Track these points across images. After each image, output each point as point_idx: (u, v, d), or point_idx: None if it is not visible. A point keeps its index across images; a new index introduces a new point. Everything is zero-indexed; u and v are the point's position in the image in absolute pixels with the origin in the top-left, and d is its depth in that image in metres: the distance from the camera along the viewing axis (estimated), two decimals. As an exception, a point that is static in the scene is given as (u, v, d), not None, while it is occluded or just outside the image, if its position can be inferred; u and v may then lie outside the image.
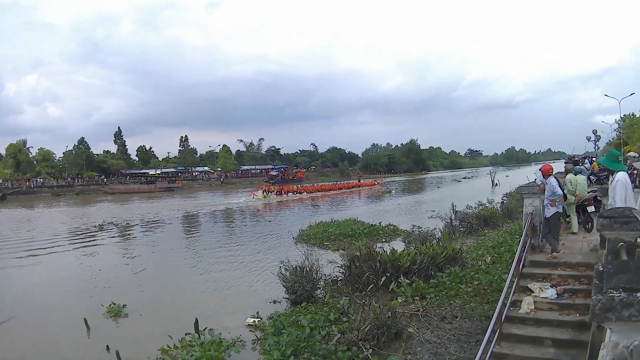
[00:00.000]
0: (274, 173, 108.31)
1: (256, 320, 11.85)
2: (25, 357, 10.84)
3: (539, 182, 11.62)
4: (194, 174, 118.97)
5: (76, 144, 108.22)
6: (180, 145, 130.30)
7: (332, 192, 65.93)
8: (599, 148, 62.19)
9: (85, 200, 69.42)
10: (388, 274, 12.49)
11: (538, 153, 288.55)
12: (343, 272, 13.81)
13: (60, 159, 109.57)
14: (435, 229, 20.51)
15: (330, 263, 14.56)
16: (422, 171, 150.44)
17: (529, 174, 39.79)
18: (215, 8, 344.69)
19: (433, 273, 12.67)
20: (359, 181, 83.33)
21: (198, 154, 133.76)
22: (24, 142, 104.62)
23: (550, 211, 10.67)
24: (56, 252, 24.33)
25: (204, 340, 10.26)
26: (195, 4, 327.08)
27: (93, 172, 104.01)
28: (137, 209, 49.96)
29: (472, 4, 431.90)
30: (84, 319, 12.33)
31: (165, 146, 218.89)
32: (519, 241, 10.32)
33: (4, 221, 41.60)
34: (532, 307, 8.44)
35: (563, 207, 11.75)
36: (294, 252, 16.28)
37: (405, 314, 10.32)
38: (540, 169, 11.93)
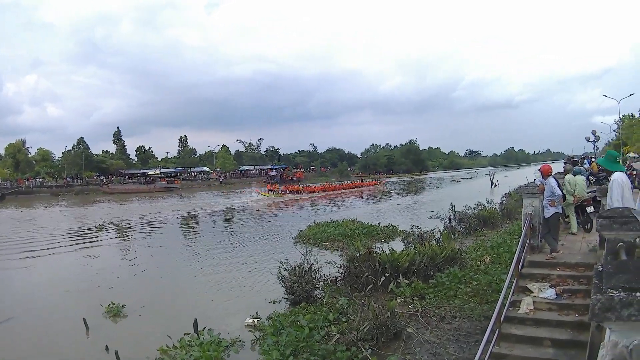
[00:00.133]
0: (273, 173, 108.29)
1: (255, 320, 11.85)
2: (25, 357, 10.83)
3: (538, 183, 11.63)
4: (193, 174, 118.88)
5: (75, 144, 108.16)
6: (179, 145, 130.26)
7: (336, 191, 66.25)
8: (598, 149, 62.19)
9: (85, 200, 69.39)
10: (387, 274, 12.49)
11: (537, 153, 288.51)
12: (342, 273, 13.81)
13: (60, 159, 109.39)
14: (434, 229, 20.51)
15: (329, 263, 14.57)
16: (421, 171, 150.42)
17: (528, 174, 39.89)
18: (214, 8, 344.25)
19: (432, 273, 12.67)
20: (362, 181, 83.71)
21: (197, 154, 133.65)
22: (23, 142, 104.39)
23: (549, 211, 10.68)
24: (56, 253, 24.29)
25: (203, 341, 10.27)
26: (195, 4, 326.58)
27: (92, 172, 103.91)
28: (137, 209, 49.93)
29: (472, 4, 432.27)
30: (83, 319, 12.33)
31: (165, 146, 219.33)
32: (518, 241, 10.34)
33: (3, 221, 41.59)
34: (531, 307, 8.45)
35: (562, 208, 11.77)
36: (293, 252, 16.30)
37: (405, 314, 10.32)
38: (539, 170, 11.94)
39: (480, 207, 26.63)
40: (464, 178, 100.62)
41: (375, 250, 14.37)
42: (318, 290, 13.22)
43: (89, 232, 32.37)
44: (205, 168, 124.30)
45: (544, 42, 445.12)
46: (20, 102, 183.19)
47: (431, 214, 27.30)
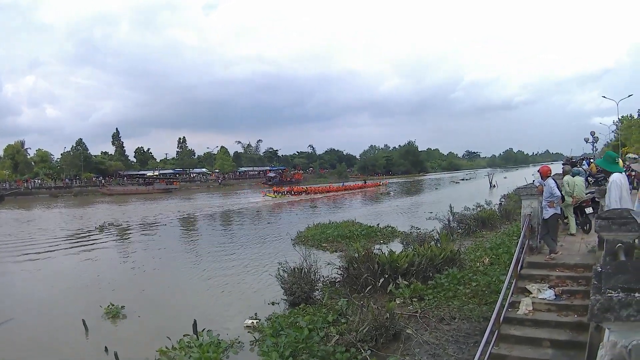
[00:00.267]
0: (271, 174, 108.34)
1: (254, 321, 11.85)
2: (25, 357, 10.84)
3: (537, 184, 11.64)
4: (191, 175, 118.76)
5: (74, 145, 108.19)
6: (178, 146, 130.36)
7: (340, 192, 67.28)
8: (596, 149, 62.20)
9: (83, 201, 69.32)
10: (386, 276, 12.50)
11: (536, 154, 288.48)
12: (341, 274, 13.81)
13: (58, 160, 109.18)
14: (433, 230, 20.54)
15: (328, 265, 14.57)
16: (419, 173, 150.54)
17: (527, 175, 39.98)
18: (212, 9, 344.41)
19: (431, 274, 12.68)
20: (365, 182, 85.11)
21: (196, 156, 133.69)
22: (22, 143, 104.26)
23: (548, 212, 10.70)
24: (55, 254, 24.24)
25: (202, 342, 10.27)
26: (193, 5, 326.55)
27: (91, 174, 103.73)
28: (136, 211, 49.87)
29: (472, 4, 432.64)
30: (82, 320, 12.33)
31: (163, 147, 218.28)
32: (517, 242, 10.35)
33: (2, 222, 41.49)
34: (531, 308, 8.46)
35: (561, 209, 11.78)
36: (293, 253, 16.28)
37: (404, 315, 10.33)
38: (538, 171, 11.95)
39: (479, 208, 26.64)
40: (462, 179, 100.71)
41: (374, 251, 14.40)
42: (317, 292, 13.23)
43: (89, 233, 32.32)
44: (204, 169, 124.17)
45: (543, 43, 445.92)
46: (18, 102, 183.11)
47: (430, 215, 27.29)
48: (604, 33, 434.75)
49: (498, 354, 7.49)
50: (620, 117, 68.35)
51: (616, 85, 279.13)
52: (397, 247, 18.20)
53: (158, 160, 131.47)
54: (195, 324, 11.10)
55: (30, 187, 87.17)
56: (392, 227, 25.08)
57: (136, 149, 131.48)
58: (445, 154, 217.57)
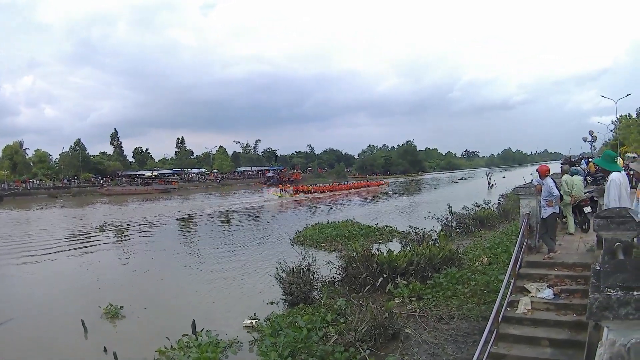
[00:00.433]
0: (270, 174, 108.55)
1: (253, 321, 11.84)
2: (24, 358, 10.82)
3: (536, 183, 11.64)
4: (190, 175, 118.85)
5: (72, 145, 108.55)
6: (176, 146, 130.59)
7: (344, 191, 69.70)
8: (595, 149, 62.20)
9: (82, 202, 69.26)
10: (385, 275, 12.50)
11: (534, 154, 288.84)
12: (340, 274, 13.82)
13: (57, 160, 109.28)
14: (431, 230, 20.56)
15: (327, 264, 14.58)
16: (418, 172, 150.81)
17: (526, 174, 39.80)
18: (210, 9, 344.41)
19: (430, 274, 12.67)
20: (368, 181, 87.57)
21: (194, 156, 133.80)
22: (21, 144, 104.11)
23: (547, 212, 10.71)
24: (54, 254, 24.18)
25: (201, 342, 10.26)
26: (190, 5, 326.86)
27: (89, 174, 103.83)
28: (134, 211, 49.82)
29: (472, 4, 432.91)
30: (81, 320, 12.31)
31: (162, 148, 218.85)
32: (516, 242, 10.35)
33: (1, 223, 41.41)
34: (529, 307, 8.46)
35: (560, 208, 11.78)
36: (291, 253, 16.27)
37: (403, 314, 10.33)
38: (537, 170, 11.95)
39: (477, 208, 26.66)
40: (461, 179, 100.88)
41: (373, 251, 14.38)
42: (316, 291, 13.22)
43: (88, 233, 32.28)
44: (202, 169, 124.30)
45: (543, 42, 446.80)
46: (17, 103, 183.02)
47: (428, 215, 27.26)
48: (602, 32, 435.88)
49: (497, 353, 7.49)
50: (618, 117, 68.43)
51: (615, 85, 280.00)
52: (395, 246, 18.19)
53: (156, 160, 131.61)
54: (194, 324, 11.10)
55: (28, 188, 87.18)
56: (391, 227, 25.06)
57: (134, 149, 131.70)
58: (444, 153, 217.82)
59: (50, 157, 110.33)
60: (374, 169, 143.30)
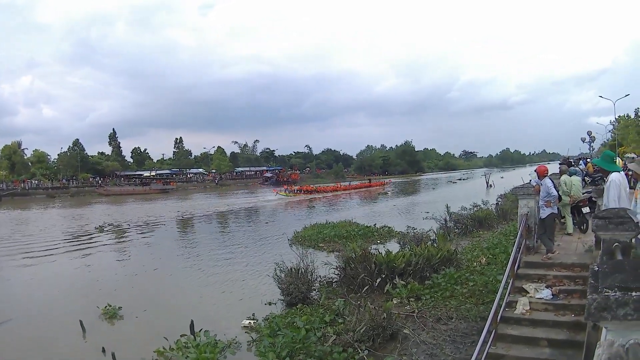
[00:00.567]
0: (268, 175, 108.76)
1: (252, 321, 11.82)
2: (23, 358, 10.81)
3: (534, 184, 11.65)
4: (188, 175, 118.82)
5: (71, 145, 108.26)
6: (175, 146, 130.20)
7: (347, 191, 71.93)
8: (593, 149, 62.37)
9: (80, 202, 69.16)
10: (383, 276, 12.49)
11: (533, 154, 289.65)
12: (338, 274, 13.80)
13: (55, 160, 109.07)
14: (430, 230, 20.51)
15: (325, 265, 14.54)
16: (416, 173, 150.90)
17: (524, 175, 39.86)
18: (208, 9, 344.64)
19: (428, 274, 12.67)
20: (370, 181, 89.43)
21: (193, 156, 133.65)
22: (19, 144, 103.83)
23: (545, 212, 10.71)
24: (53, 254, 24.14)
25: (199, 342, 10.25)
26: (189, 6, 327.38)
27: (88, 174, 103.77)
28: (133, 211, 49.79)
29: (473, 4, 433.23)
30: (80, 320, 12.28)
31: (160, 148, 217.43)
32: (514, 242, 10.36)
33: (0, 224, 41.38)
34: (528, 307, 8.47)
35: (558, 208, 11.78)
36: (290, 254, 16.26)
37: (401, 315, 10.32)
38: (535, 170, 11.95)
39: (476, 208, 26.66)
40: (459, 179, 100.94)
41: (371, 251, 14.38)
42: (314, 292, 13.21)
43: (87, 234, 32.25)
44: (200, 170, 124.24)
45: (542, 43, 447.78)
46: (15, 103, 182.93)
47: (427, 215, 27.25)
48: (602, 32, 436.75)
49: (495, 353, 7.49)
50: (617, 117, 68.54)
51: (614, 85, 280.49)
52: (394, 247, 18.15)
53: (155, 160, 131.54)
54: (192, 325, 11.08)
55: (27, 188, 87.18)
56: (389, 227, 25.03)
57: (133, 149, 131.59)
58: (442, 153, 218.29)
59: (49, 157, 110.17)
60: (372, 169, 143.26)
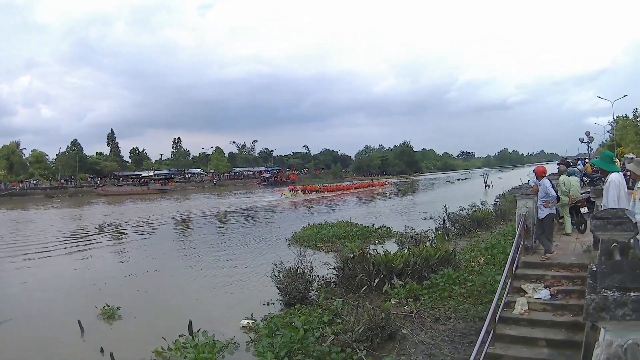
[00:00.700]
0: (266, 175, 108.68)
1: (250, 322, 11.81)
2: (22, 358, 10.80)
3: (533, 184, 11.66)
4: (186, 175, 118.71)
5: (69, 145, 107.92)
6: (173, 147, 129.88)
7: (350, 190, 72.95)
8: (592, 149, 62.51)
9: (79, 202, 69.05)
10: (381, 276, 12.48)
11: (531, 155, 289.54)
12: (336, 274, 13.78)
13: (54, 160, 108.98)
14: (428, 230, 20.50)
15: (323, 265, 14.52)
16: (415, 173, 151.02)
17: (522, 175, 39.90)
18: (207, 10, 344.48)
19: (426, 274, 12.66)
20: (372, 181, 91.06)
21: (191, 156, 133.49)
22: (18, 144, 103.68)
23: (543, 212, 10.72)
24: (52, 254, 24.10)
25: (197, 342, 10.23)
26: (188, 6, 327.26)
27: (86, 174, 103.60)
28: (131, 211, 49.76)
29: (473, 4, 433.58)
30: (78, 321, 12.25)
31: (159, 148, 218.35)
32: (513, 242, 10.36)
33: (-1, 223, 41.35)
34: (526, 308, 8.47)
35: (556, 209, 11.80)
36: (288, 254, 16.25)
37: (399, 315, 10.32)
38: (533, 171, 11.97)
39: (474, 208, 26.62)
40: (458, 179, 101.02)
41: (370, 251, 14.36)
42: (312, 292, 13.21)
43: (86, 234, 32.21)
44: (199, 170, 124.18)
45: (543, 42, 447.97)
46: (14, 103, 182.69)
47: (425, 215, 27.17)
48: (601, 32, 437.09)
49: (494, 353, 7.49)
50: (615, 117, 68.69)
51: (613, 85, 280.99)
52: (392, 247, 18.19)
53: (153, 160, 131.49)
54: (190, 325, 11.06)
55: (25, 188, 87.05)
56: (387, 228, 25.05)
57: (131, 150, 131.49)
58: (440, 154, 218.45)
59: (47, 157, 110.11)
60: (370, 169, 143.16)
